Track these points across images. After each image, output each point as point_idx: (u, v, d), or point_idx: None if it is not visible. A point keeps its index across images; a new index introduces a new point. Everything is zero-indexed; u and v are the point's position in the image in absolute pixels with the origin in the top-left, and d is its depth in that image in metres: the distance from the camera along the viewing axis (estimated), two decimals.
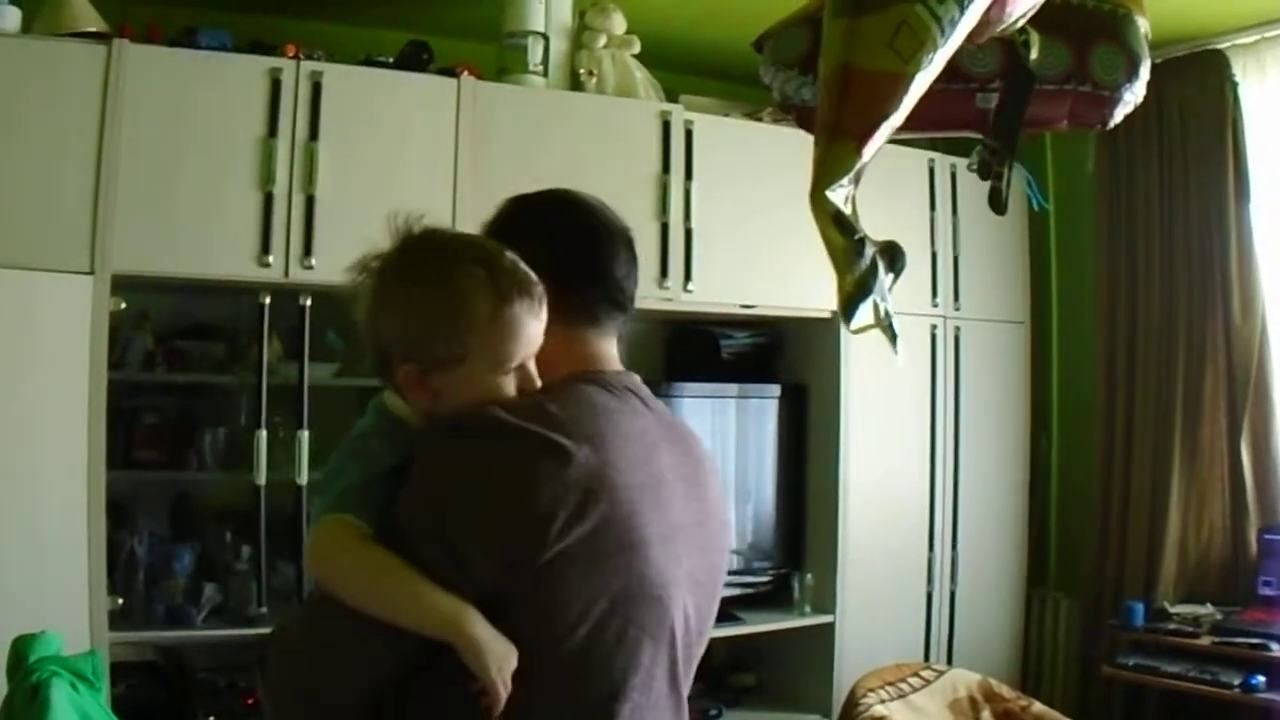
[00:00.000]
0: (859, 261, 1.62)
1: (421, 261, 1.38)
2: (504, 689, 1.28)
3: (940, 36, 1.62)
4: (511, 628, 1.29)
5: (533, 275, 1.39)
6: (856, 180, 1.67)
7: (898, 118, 1.66)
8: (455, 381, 1.37)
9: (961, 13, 1.65)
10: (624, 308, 1.54)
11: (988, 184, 2.19)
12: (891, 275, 1.70)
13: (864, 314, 1.65)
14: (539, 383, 1.42)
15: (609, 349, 1.54)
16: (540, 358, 1.43)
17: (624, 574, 1.35)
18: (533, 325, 1.38)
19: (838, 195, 1.62)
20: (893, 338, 1.70)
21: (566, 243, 1.51)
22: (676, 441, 1.51)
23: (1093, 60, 2.25)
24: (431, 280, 1.36)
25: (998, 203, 2.19)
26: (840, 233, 1.61)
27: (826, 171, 1.62)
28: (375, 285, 1.39)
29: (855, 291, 1.63)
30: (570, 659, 1.32)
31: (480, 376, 1.38)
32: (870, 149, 1.63)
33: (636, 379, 1.54)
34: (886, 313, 1.69)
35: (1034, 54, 2.16)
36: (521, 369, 1.41)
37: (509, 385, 1.39)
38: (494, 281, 1.35)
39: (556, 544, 1.28)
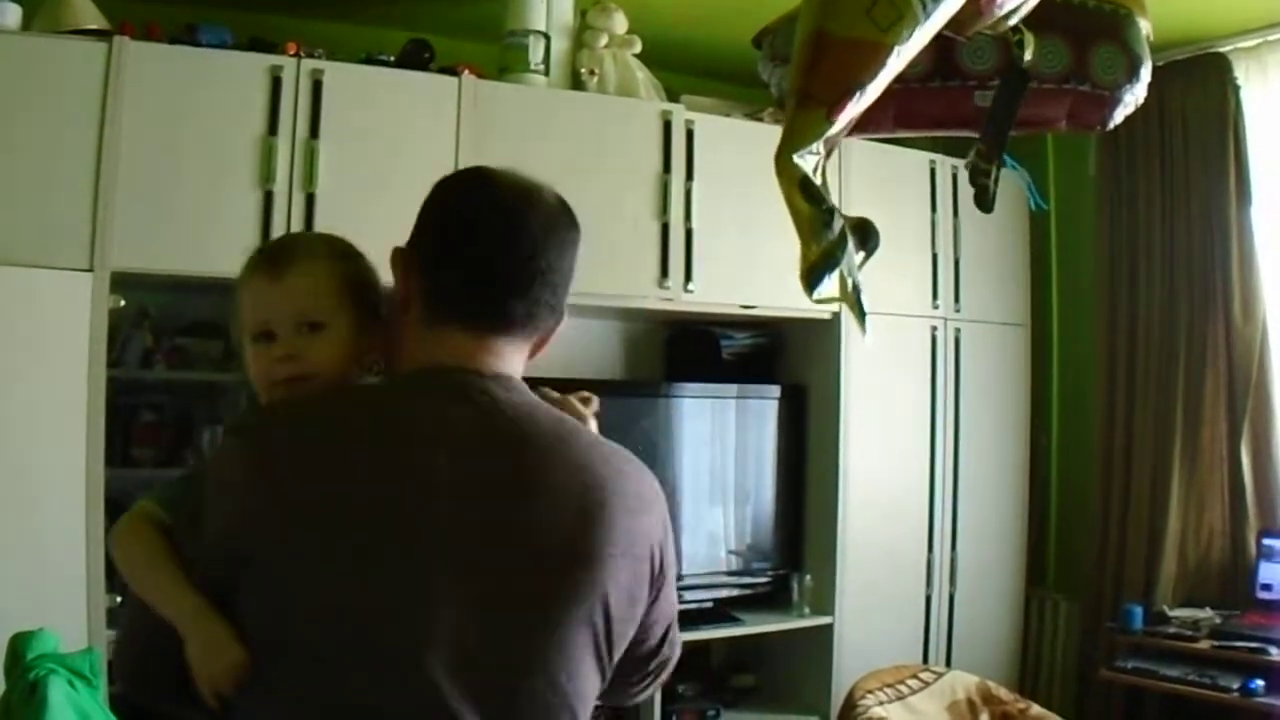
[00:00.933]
0: (825, 232, 1.61)
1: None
2: (208, 688, 1.25)
3: (922, 12, 1.61)
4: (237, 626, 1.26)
5: (289, 248, 1.58)
6: (828, 151, 1.66)
7: (874, 90, 1.65)
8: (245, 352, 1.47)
9: None
10: (500, 302, 1.39)
11: (980, 182, 2.19)
12: (863, 253, 1.69)
13: (828, 285, 1.64)
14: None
15: (482, 349, 1.39)
16: (393, 352, 1.45)
17: (330, 583, 1.26)
18: (266, 292, 1.44)
19: (806, 162, 1.60)
20: (861, 316, 1.69)
21: (431, 228, 1.43)
22: (503, 446, 1.34)
23: (1093, 60, 2.25)
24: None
25: (984, 202, 2.18)
26: (806, 199, 1.59)
27: (794, 137, 1.60)
28: None
29: (820, 261, 1.62)
30: (278, 666, 1.25)
31: (246, 344, 1.47)
32: (842, 119, 1.62)
33: (500, 379, 1.39)
34: (855, 287, 1.67)
35: (1028, 55, 2.16)
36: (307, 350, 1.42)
37: (259, 355, 1.43)
38: (253, 256, 1.50)
39: (243, 547, 1.26)
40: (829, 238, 1.60)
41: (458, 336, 1.38)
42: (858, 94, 1.62)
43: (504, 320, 1.39)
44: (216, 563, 1.27)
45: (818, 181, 1.62)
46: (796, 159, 1.59)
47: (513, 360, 1.42)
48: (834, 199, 1.64)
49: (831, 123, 1.61)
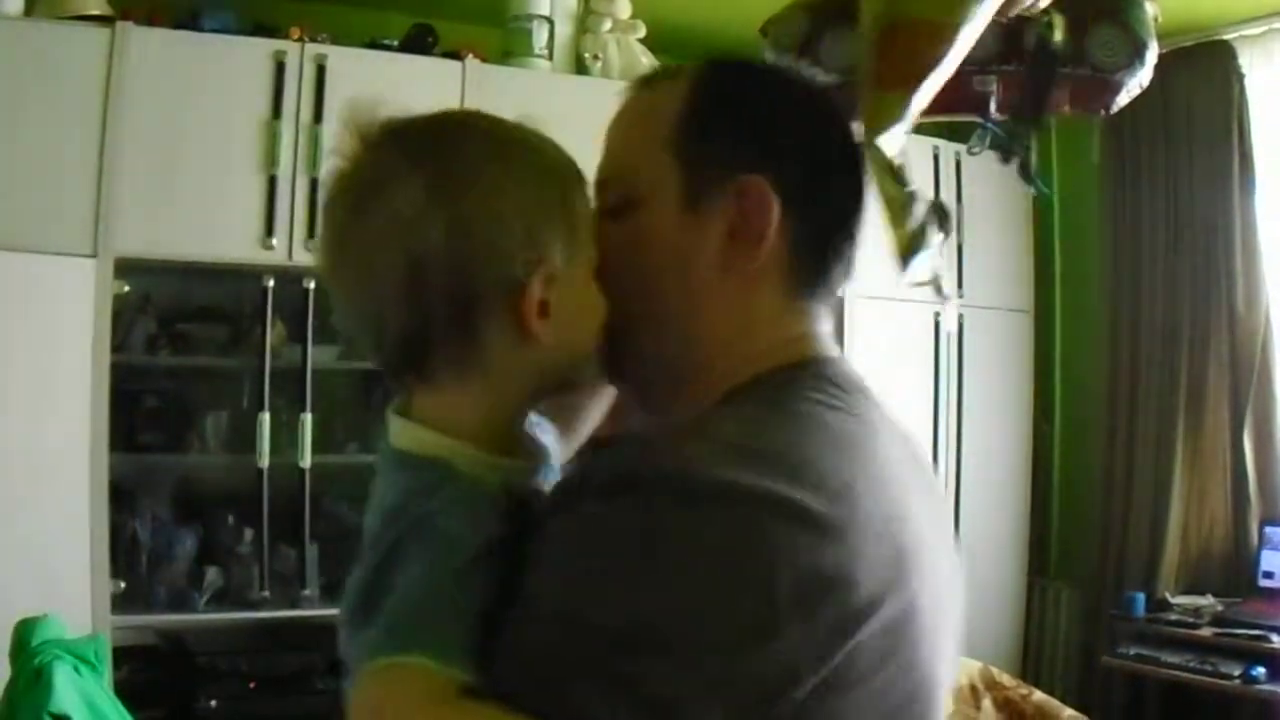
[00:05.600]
0: (913, 214, 1.63)
1: (504, 136, 0.96)
2: None
3: None
4: None
5: None
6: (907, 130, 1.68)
7: (946, 69, 1.66)
8: (573, 293, 0.93)
9: None
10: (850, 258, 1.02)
11: (994, 170, 2.19)
12: (941, 234, 1.70)
13: (921, 267, 1.65)
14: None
15: (828, 325, 1.02)
16: (720, 334, 0.97)
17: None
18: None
19: (892, 145, 1.61)
20: (943, 296, 1.70)
21: (802, 145, 0.99)
22: (909, 450, 0.98)
23: (1093, 42, 2.24)
24: (524, 154, 0.95)
25: (1027, 175, 2.19)
26: (895, 183, 1.60)
27: (876, 119, 1.61)
28: (436, 176, 0.89)
29: (913, 244, 1.63)
30: None
31: (588, 280, 0.95)
32: (918, 99, 1.63)
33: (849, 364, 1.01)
34: (934, 269, 1.69)
35: (1058, 36, 2.16)
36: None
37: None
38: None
39: (817, 671, 0.78)
40: (918, 219, 1.62)
41: (820, 312, 1.01)
42: (932, 74, 1.63)
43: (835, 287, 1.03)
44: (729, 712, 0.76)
45: (900, 164, 1.63)
46: (880, 144, 1.59)
47: None
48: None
49: (910, 103, 1.62)
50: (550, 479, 0.97)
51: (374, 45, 3.53)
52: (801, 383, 0.93)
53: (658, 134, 0.97)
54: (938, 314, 4.37)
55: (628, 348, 0.97)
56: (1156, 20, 2.32)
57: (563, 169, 0.95)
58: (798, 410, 0.90)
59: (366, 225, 0.88)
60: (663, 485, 0.79)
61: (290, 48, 3.30)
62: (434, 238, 0.86)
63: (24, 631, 2.12)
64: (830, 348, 1.00)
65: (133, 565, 3.26)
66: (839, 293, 1.03)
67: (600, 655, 0.75)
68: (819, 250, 0.98)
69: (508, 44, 3.73)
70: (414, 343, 0.89)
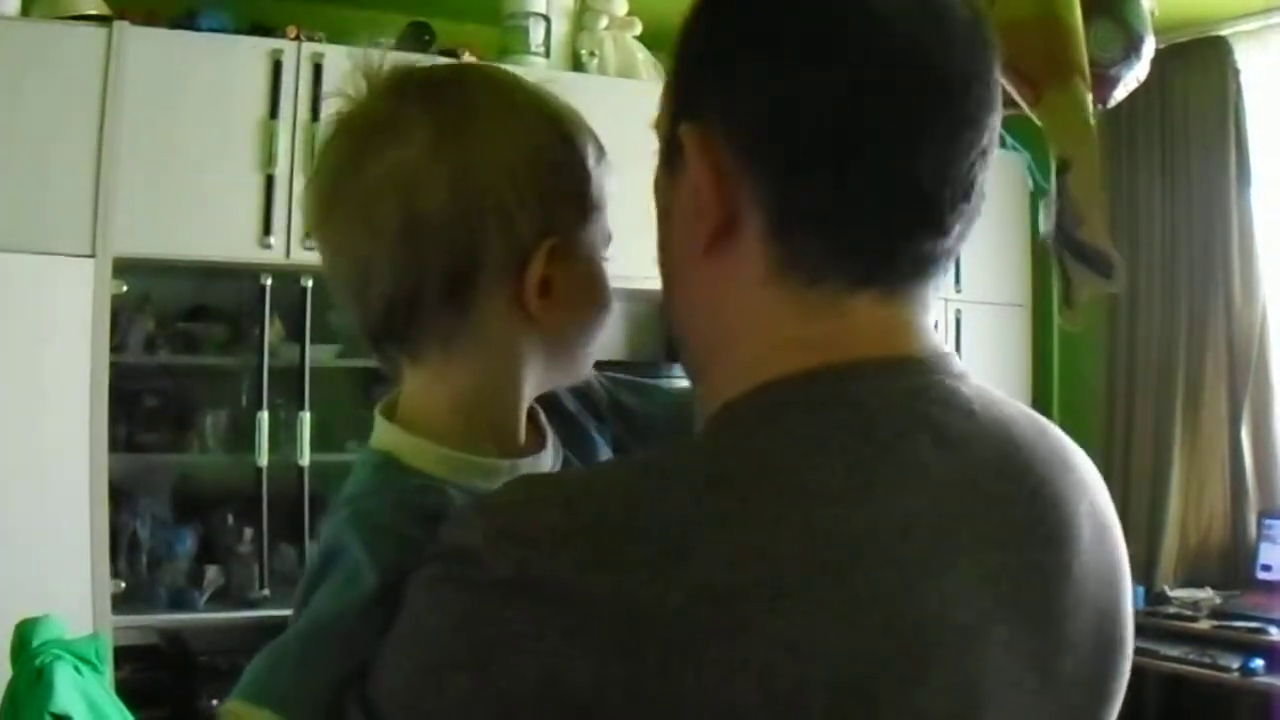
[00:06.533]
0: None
1: (520, 91, 0.88)
2: None
3: None
4: None
5: None
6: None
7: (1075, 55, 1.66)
8: (581, 265, 0.86)
9: None
10: (931, 222, 0.74)
11: (990, 164, 2.19)
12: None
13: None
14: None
15: (910, 317, 0.76)
16: (705, 333, 0.79)
17: None
18: None
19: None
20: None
21: (821, 79, 0.70)
22: (1002, 507, 0.73)
23: (1089, 36, 2.25)
24: (541, 111, 0.87)
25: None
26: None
27: (1082, 108, 1.59)
28: (437, 129, 0.82)
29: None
30: None
31: (598, 253, 0.88)
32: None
33: (956, 366, 0.78)
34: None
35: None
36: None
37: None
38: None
39: None
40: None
41: (863, 299, 0.74)
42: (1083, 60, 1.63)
43: (933, 256, 0.76)
44: None
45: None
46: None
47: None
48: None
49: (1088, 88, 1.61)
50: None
51: (371, 44, 3.52)
52: (780, 408, 0.71)
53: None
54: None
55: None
56: (1153, 14, 2.32)
57: (582, 132, 0.89)
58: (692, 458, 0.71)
59: (365, 172, 0.81)
60: (433, 564, 0.69)
61: (287, 47, 3.30)
62: (436, 191, 0.79)
63: (24, 632, 2.12)
64: (860, 350, 0.73)
65: (133, 565, 3.26)
66: (912, 275, 0.75)
67: None
68: (820, 222, 0.72)
69: (504, 42, 3.73)
70: (402, 308, 0.81)
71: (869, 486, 0.68)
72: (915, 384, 0.74)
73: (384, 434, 0.86)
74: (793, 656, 0.62)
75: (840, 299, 0.73)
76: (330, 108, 0.87)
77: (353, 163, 0.82)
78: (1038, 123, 1.36)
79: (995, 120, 0.76)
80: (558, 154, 0.84)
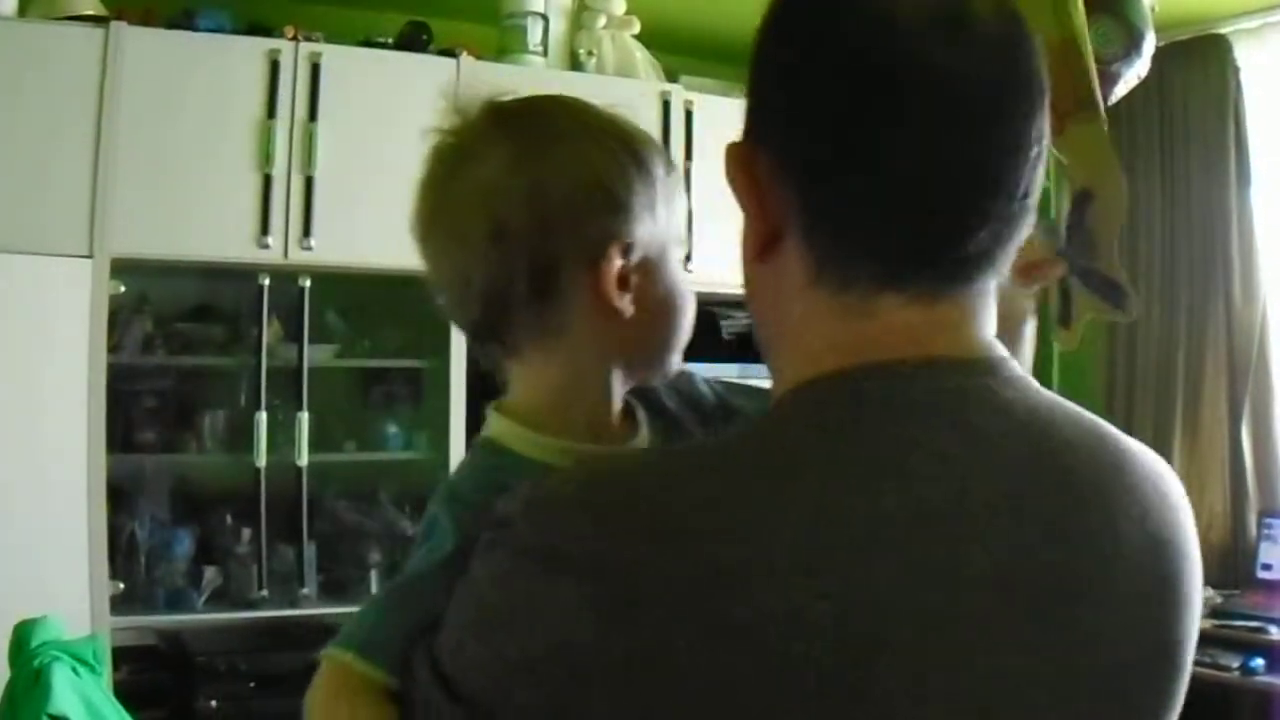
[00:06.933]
0: None
1: (595, 115, 0.99)
2: None
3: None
4: None
5: None
6: None
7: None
8: (653, 265, 0.96)
9: None
10: (971, 221, 0.75)
11: None
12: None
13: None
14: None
15: (936, 323, 0.77)
16: (768, 332, 0.86)
17: None
18: None
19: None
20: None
21: (817, 86, 0.76)
22: (1051, 501, 0.75)
23: (1089, 33, 2.24)
24: (611, 131, 0.97)
25: None
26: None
27: (1108, 145, 1.57)
28: (530, 139, 0.95)
29: None
30: None
31: (671, 255, 0.98)
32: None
33: (998, 368, 0.79)
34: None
35: None
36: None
37: None
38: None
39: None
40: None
41: (892, 301, 0.76)
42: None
43: (969, 258, 0.76)
44: None
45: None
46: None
47: (990, 328, 0.81)
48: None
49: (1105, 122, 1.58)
50: None
51: (368, 44, 3.52)
52: (809, 405, 0.76)
53: None
54: None
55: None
56: (1154, 11, 2.32)
57: (649, 146, 0.98)
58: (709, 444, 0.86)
59: (456, 191, 0.94)
60: (488, 530, 0.76)
61: (285, 47, 3.29)
62: (516, 200, 0.90)
63: (23, 633, 2.11)
64: (888, 352, 0.75)
65: (131, 566, 3.25)
66: (950, 278, 0.76)
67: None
68: (843, 228, 0.76)
69: (502, 41, 3.73)
70: (496, 307, 0.92)
71: (883, 477, 0.71)
72: (944, 384, 0.76)
73: (491, 423, 0.97)
74: (791, 630, 0.66)
75: (869, 302, 0.76)
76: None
77: (444, 183, 0.95)
78: (1054, 152, 1.34)
79: (1035, 122, 0.76)
80: (627, 165, 0.94)
